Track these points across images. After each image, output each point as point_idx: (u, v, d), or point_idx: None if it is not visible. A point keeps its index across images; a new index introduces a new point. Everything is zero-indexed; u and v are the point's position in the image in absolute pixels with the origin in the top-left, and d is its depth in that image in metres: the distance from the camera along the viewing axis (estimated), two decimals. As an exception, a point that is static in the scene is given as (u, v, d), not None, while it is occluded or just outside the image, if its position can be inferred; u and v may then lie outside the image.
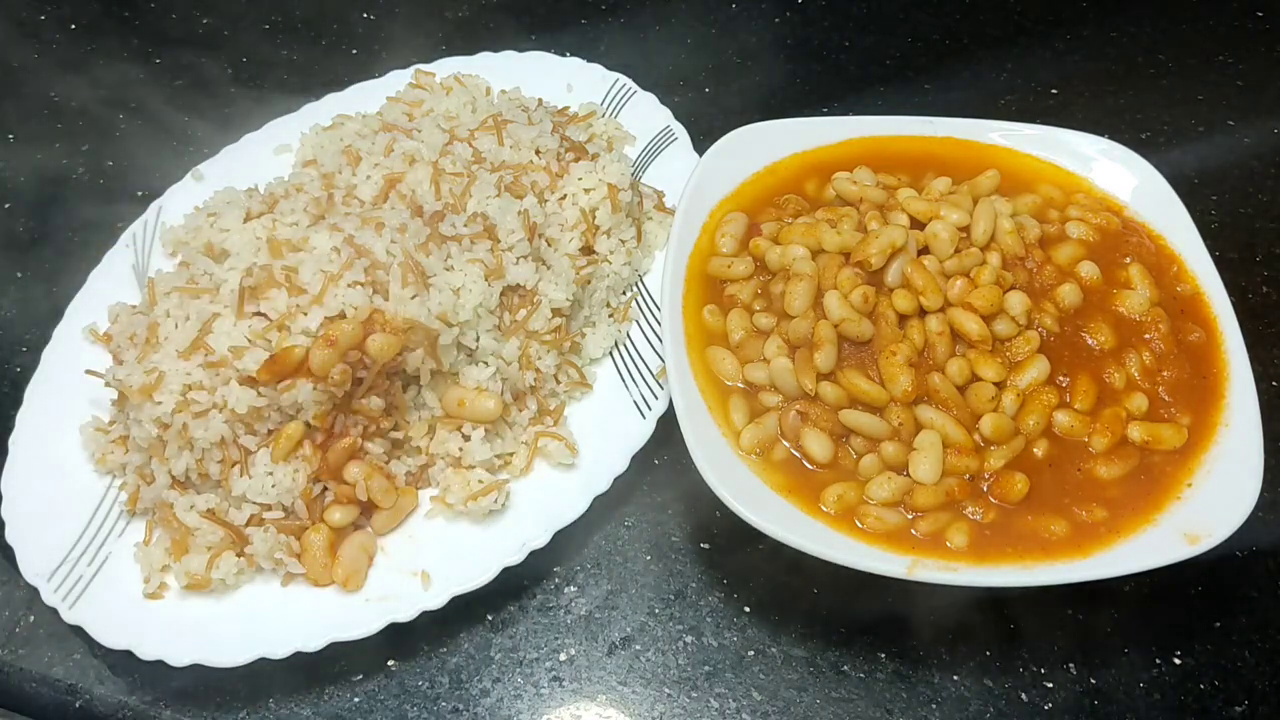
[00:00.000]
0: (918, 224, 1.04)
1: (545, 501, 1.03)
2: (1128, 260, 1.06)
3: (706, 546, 1.04)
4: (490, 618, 1.01)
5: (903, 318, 0.99)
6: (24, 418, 1.08)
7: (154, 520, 1.01)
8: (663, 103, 1.32)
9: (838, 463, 0.96)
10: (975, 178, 1.12)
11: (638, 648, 0.99)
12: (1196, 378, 0.99)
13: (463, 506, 1.00)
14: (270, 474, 0.98)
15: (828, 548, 0.89)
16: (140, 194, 1.36)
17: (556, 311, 1.10)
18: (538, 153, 1.19)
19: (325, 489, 1.01)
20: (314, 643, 0.93)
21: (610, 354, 1.14)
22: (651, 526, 1.06)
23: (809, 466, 0.96)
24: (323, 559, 0.98)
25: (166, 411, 0.97)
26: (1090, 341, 1.01)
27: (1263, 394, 0.96)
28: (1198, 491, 0.92)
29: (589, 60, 1.38)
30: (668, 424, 1.01)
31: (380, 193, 1.12)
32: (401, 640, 0.97)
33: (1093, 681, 0.95)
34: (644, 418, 1.06)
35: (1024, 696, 0.95)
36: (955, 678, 0.96)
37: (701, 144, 1.20)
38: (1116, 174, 1.13)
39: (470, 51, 1.40)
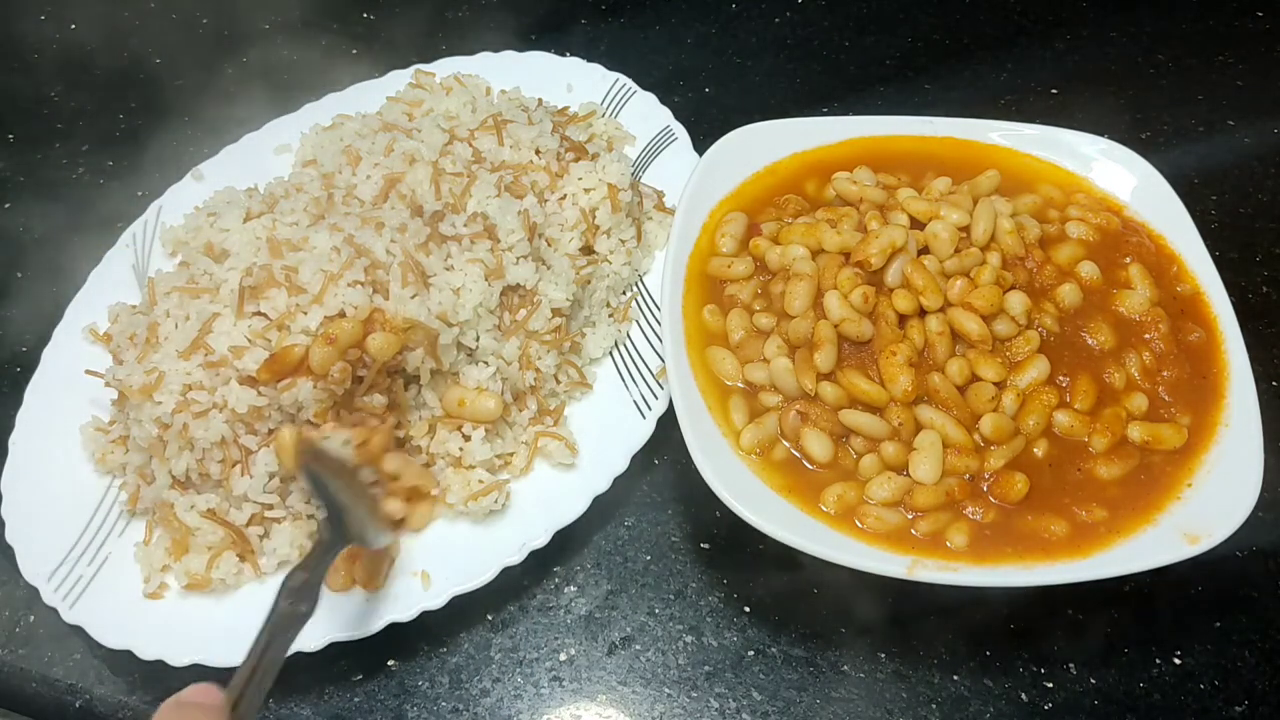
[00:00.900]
0: (918, 224, 1.04)
1: (545, 501, 1.02)
2: (1128, 260, 1.06)
3: (706, 546, 1.04)
4: (490, 618, 1.01)
5: (903, 318, 0.99)
6: (24, 418, 1.09)
7: (154, 520, 1.01)
8: (663, 103, 1.32)
9: (838, 463, 0.96)
10: (975, 178, 1.12)
11: (638, 648, 0.99)
12: (1196, 378, 0.99)
13: (463, 506, 1.00)
14: (272, 474, 0.98)
15: (828, 548, 0.89)
16: (140, 194, 1.36)
17: (556, 311, 1.10)
18: (538, 153, 1.19)
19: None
20: (314, 643, 0.93)
21: (610, 354, 1.14)
22: (651, 526, 1.06)
23: (809, 466, 0.96)
24: (343, 560, 0.96)
25: (166, 411, 0.97)
26: (1090, 341, 1.01)
27: (1263, 394, 0.96)
28: (1198, 491, 0.92)
29: (589, 60, 1.37)
30: (668, 424, 1.01)
31: (380, 192, 1.11)
32: (401, 640, 0.97)
33: (1093, 681, 0.95)
34: (644, 418, 1.06)
35: (1024, 696, 0.95)
36: (955, 678, 0.96)
37: (701, 144, 1.20)
38: (1116, 174, 1.13)
39: (470, 51, 1.40)
